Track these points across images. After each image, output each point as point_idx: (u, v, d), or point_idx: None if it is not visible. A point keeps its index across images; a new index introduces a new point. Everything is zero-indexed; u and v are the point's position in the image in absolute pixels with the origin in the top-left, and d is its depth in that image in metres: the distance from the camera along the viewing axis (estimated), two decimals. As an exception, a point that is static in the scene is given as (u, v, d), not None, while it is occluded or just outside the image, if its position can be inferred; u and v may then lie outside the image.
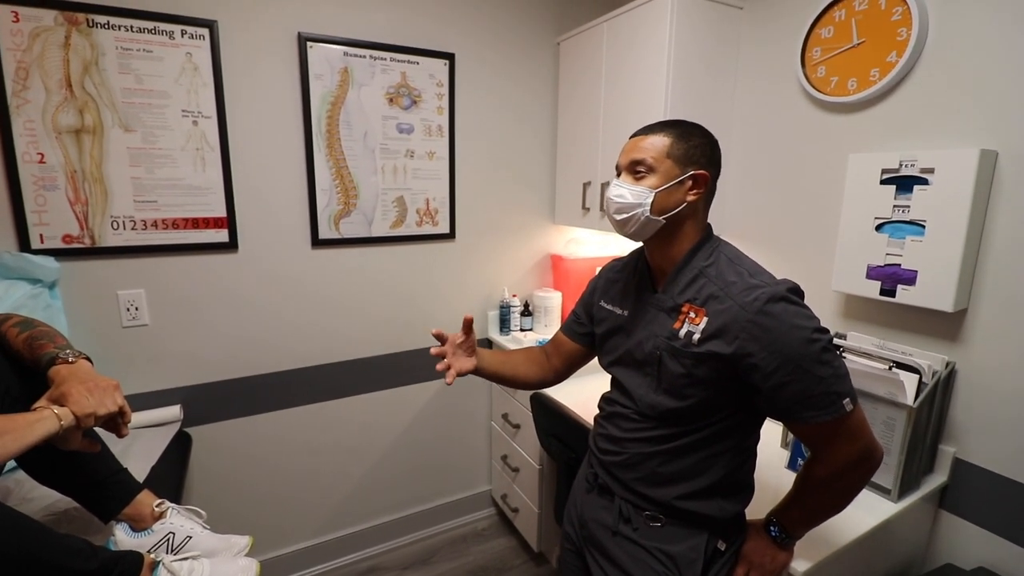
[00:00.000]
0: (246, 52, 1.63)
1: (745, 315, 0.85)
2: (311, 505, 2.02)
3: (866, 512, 1.15)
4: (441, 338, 1.13)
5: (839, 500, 0.93)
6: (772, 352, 0.83)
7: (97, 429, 0.94)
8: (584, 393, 1.50)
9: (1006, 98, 1.13)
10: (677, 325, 0.94)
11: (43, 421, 0.81)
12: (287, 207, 1.77)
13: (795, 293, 0.87)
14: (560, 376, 1.27)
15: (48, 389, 0.88)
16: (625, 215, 0.96)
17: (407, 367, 2.10)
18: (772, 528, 0.99)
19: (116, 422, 0.92)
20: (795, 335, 0.83)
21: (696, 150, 0.94)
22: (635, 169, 0.95)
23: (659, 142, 0.94)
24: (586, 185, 1.99)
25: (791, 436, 1.36)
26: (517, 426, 2.06)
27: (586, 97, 1.96)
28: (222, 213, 1.66)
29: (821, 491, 0.92)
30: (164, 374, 1.67)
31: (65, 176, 1.46)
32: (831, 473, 0.89)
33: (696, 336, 0.90)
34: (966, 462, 1.25)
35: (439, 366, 1.13)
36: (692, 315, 0.92)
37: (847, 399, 0.85)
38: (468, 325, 1.14)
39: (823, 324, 0.86)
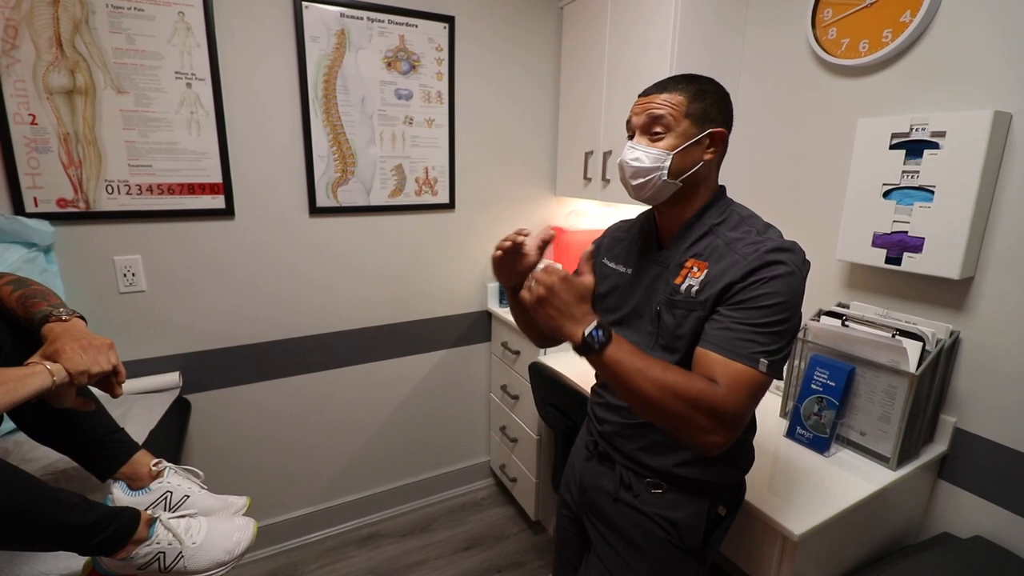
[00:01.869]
0: (240, 12, 1.58)
1: (743, 263, 0.83)
2: (311, 472, 2.04)
3: (864, 479, 1.15)
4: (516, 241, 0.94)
5: (660, 395, 0.77)
6: (745, 275, 0.82)
7: (92, 388, 0.94)
8: (582, 362, 1.49)
9: (1023, 57, 1.09)
10: (679, 280, 0.91)
11: (35, 376, 0.80)
12: (284, 174, 1.75)
13: (795, 254, 0.84)
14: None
15: (41, 347, 0.87)
16: (641, 179, 0.91)
17: (407, 338, 2.10)
18: (598, 332, 0.79)
19: (109, 381, 0.92)
20: (776, 282, 0.81)
21: (713, 107, 0.90)
22: (651, 130, 0.91)
23: (676, 100, 0.89)
24: (588, 155, 1.95)
25: (790, 405, 1.36)
26: (516, 397, 2.06)
27: (589, 63, 1.91)
28: (218, 179, 1.63)
29: (663, 380, 0.77)
30: (162, 341, 1.67)
31: (58, 138, 1.44)
32: (687, 386, 0.77)
33: (695, 289, 0.89)
34: (967, 432, 1.24)
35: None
36: (695, 269, 0.90)
37: (764, 360, 0.79)
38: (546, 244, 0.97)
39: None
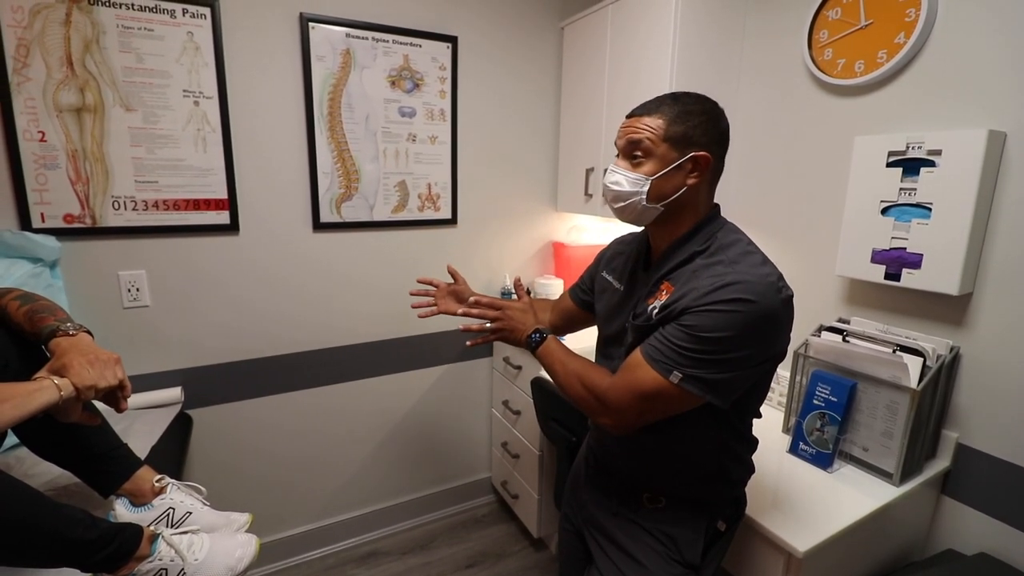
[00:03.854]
0: (248, 32, 1.62)
1: (696, 293, 0.82)
2: (311, 489, 2.02)
3: (868, 495, 1.15)
4: (430, 283, 1.39)
5: (567, 380, 0.97)
6: (691, 306, 0.82)
7: (96, 403, 0.94)
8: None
9: (1015, 78, 1.12)
10: (650, 301, 0.91)
11: (43, 391, 0.81)
12: (288, 190, 1.77)
13: (757, 287, 0.79)
14: (557, 332, 1.28)
15: (48, 363, 0.88)
16: (622, 203, 0.92)
17: (408, 353, 2.10)
18: (536, 334, 1.06)
19: (116, 396, 0.92)
20: (715, 317, 0.79)
21: (696, 129, 0.87)
22: (632, 153, 0.90)
23: (655, 124, 0.88)
24: (589, 171, 1.97)
25: (793, 420, 1.36)
26: (517, 413, 2.05)
27: (589, 81, 1.95)
28: (223, 195, 1.65)
29: (574, 369, 0.97)
30: (165, 355, 1.67)
31: (66, 155, 1.45)
32: (588, 375, 0.95)
33: (655, 311, 0.88)
34: (969, 447, 1.24)
35: (420, 306, 1.37)
36: (663, 292, 0.89)
37: (678, 374, 0.82)
38: (453, 275, 1.40)
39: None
